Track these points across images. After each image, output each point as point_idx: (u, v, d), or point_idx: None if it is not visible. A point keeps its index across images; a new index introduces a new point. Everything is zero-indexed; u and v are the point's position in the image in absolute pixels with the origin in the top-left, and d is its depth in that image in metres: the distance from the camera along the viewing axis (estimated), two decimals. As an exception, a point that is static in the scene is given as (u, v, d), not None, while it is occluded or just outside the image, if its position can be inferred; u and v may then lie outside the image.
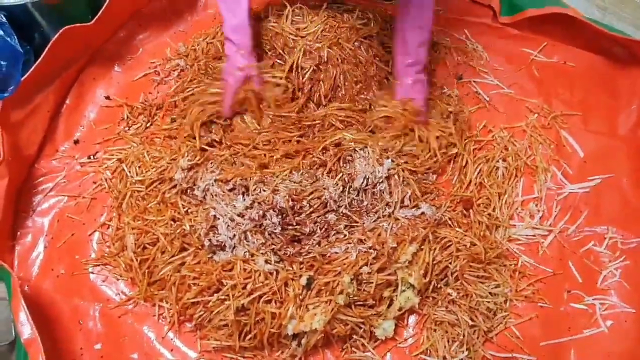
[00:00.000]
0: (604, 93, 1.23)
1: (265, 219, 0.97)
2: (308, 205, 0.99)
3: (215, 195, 1.01)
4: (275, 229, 0.96)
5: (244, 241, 0.97)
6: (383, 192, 1.04)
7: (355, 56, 1.14)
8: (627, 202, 1.13)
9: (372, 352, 0.97)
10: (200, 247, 0.98)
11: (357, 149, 1.07)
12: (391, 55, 1.16)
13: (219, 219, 0.98)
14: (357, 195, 1.03)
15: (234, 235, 0.96)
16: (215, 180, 1.02)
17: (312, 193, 1.00)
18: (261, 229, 0.97)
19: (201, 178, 1.03)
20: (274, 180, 1.01)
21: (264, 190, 1.00)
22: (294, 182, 1.01)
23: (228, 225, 0.97)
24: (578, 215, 1.11)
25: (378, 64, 1.15)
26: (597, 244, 1.09)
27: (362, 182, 1.03)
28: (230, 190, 1.01)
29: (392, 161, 1.06)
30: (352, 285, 0.93)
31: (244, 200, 0.99)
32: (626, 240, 1.09)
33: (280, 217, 0.97)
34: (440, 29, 1.30)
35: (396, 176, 1.05)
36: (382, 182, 1.04)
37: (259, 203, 0.98)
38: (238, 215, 0.97)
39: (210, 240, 0.97)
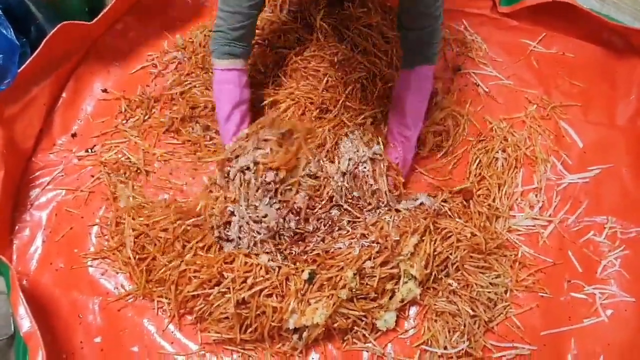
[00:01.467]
0: (603, 83, 1.24)
1: (285, 223, 0.96)
2: (319, 201, 0.99)
3: (247, 183, 0.96)
4: (288, 233, 0.96)
5: (254, 247, 0.96)
6: (367, 176, 1.01)
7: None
8: (626, 192, 1.13)
9: (373, 343, 0.97)
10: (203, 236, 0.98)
11: (348, 132, 1.06)
12: (390, 45, 1.16)
13: (235, 216, 0.97)
14: (345, 181, 1.00)
15: (244, 239, 0.96)
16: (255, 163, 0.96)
17: (324, 188, 0.99)
18: (274, 238, 0.96)
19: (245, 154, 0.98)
20: (296, 176, 0.98)
21: (289, 190, 0.97)
22: (310, 177, 0.99)
23: (241, 227, 0.96)
24: (578, 205, 1.12)
25: (377, 53, 1.14)
26: (596, 233, 1.09)
27: (348, 165, 1.00)
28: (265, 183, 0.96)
29: (381, 148, 1.03)
30: (355, 280, 0.93)
31: (269, 203, 0.95)
32: (626, 230, 1.09)
33: (296, 220, 0.96)
34: (439, 21, 1.30)
35: (382, 164, 1.03)
36: (364, 162, 1.01)
37: (282, 206, 0.96)
38: (255, 222, 0.95)
39: (220, 232, 0.97)
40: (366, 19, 1.17)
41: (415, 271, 0.96)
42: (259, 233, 0.95)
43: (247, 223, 0.96)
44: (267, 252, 0.95)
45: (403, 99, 1.04)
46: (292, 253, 0.96)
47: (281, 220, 0.96)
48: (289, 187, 0.97)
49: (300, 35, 1.17)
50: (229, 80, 1.02)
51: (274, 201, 0.96)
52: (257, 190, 0.95)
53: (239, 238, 0.96)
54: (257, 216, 0.95)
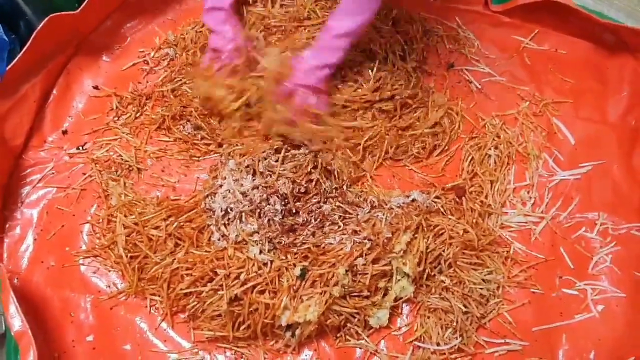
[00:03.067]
0: (595, 80, 1.24)
1: (269, 204, 0.96)
2: (305, 188, 1.00)
3: (231, 169, 1.02)
4: (275, 216, 0.96)
5: (237, 221, 0.96)
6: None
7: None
8: (617, 188, 1.14)
9: (366, 340, 0.97)
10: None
11: None
12: (385, 40, 1.15)
13: (222, 186, 0.99)
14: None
15: (229, 210, 0.97)
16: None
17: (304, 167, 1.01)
18: (257, 213, 0.96)
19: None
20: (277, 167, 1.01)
21: (270, 176, 1.00)
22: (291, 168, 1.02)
23: (224, 197, 0.98)
24: (569, 201, 1.12)
25: (373, 47, 1.13)
26: (588, 230, 1.10)
27: None
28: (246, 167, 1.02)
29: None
30: (347, 277, 0.93)
31: (254, 180, 0.98)
32: (617, 226, 1.10)
33: (283, 204, 0.97)
34: (432, 17, 1.29)
35: None
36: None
37: (264, 187, 0.98)
38: (241, 194, 0.97)
39: (205, 203, 0.99)
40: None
41: (408, 269, 0.96)
42: (241, 203, 0.96)
43: (233, 193, 0.97)
44: (256, 242, 0.95)
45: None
46: (281, 242, 0.96)
47: (265, 195, 0.96)
48: (269, 172, 1.00)
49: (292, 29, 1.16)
50: None
51: (258, 180, 0.98)
52: (241, 172, 1.00)
53: (221, 210, 0.96)
54: (243, 190, 0.97)
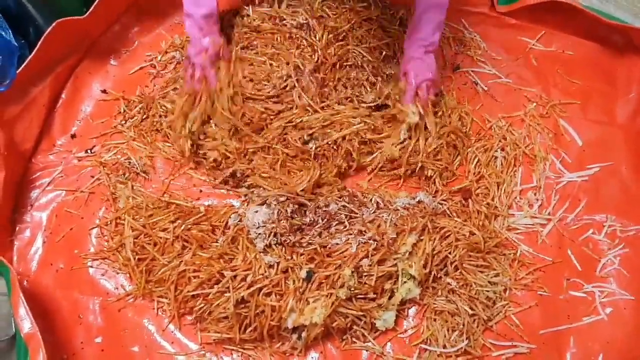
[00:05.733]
0: (603, 81, 1.23)
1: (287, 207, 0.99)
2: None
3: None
4: (287, 213, 0.98)
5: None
6: None
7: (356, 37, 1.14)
8: (626, 190, 1.13)
9: (372, 342, 0.97)
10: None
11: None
12: (392, 39, 1.16)
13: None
14: None
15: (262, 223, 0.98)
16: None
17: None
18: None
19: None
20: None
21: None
22: None
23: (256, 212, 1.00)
24: (577, 203, 1.11)
25: (380, 45, 1.14)
26: (596, 232, 1.09)
27: None
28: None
29: None
30: (353, 278, 0.93)
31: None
32: (625, 228, 1.09)
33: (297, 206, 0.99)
34: (438, 19, 1.29)
35: None
36: None
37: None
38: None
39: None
40: (366, 13, 1.17)
41: (414, 271, 0.96)
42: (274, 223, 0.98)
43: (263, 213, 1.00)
44: (260, 235, 0.95)
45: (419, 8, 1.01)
46: (287, 241, 0.96)
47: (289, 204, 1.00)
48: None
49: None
50: None
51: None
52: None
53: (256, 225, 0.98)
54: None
